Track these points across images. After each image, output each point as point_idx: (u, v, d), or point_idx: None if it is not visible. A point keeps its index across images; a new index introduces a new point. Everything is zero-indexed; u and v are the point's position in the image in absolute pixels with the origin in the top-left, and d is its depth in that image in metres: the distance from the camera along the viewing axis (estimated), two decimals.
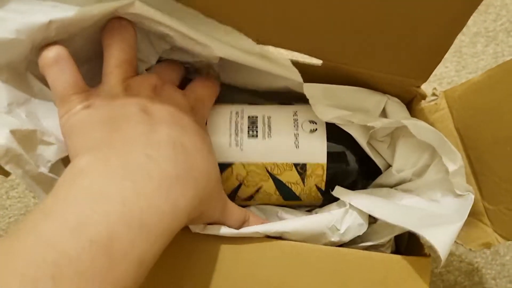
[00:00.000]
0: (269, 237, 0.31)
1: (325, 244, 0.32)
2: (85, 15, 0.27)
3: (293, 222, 0.31)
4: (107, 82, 0.28)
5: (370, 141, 0.35)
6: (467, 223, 0.37)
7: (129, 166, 0.24)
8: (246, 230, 0.31)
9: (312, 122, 0.34)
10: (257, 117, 0.34)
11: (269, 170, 0.34)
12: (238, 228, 0.31)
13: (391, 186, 0.35)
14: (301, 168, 0.34)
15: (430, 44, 0.32)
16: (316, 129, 0.34)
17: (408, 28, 0.31)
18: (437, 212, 0.32)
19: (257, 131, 0.33)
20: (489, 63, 0.58)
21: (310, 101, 0.33)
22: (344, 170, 0.34)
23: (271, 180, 0.34)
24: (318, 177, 0.33)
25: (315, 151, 0.33)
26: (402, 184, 0.35)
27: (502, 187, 0.34)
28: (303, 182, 0.34)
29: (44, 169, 0.28)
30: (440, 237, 0.29)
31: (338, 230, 0.31)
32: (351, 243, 0.33)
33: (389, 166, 0.35)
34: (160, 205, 0.23)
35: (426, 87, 0.38)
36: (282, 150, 0.33)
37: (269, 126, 0.33)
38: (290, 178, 0.34)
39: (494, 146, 0.34)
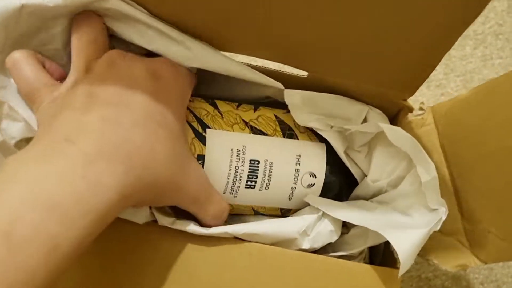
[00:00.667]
0: (238, 239, 0.30)
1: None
2: (58, 4, 0.27)
3: (263, 224, 0.31)
4: (71, 70, 0.28)
5: (348, 151, 0.34)
6: (444, 243, 0.37)
7: (46, 151, 0.23)
8: (215, 230, 0.30)
9: (312, 175, 0.33)
10: (259, 162, 0.32)
11: (255, 209, 0.34)
12: (214, 224, 0.30)
13: (367, 198, 0.35)
14: (286, 211, 0.35)
15: (420, 59, 0.32)
16: (314, 184, 0.33)
17: (397, 42, 0.30)
18: (408, 223, 0.31)
19: (255, 182, 0.32)
20: (477, 66, 0.58)
21: (290, 108, 0.33)
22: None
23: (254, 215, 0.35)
24: None
25: (305, 204, 0.34)
26: (377, 196, 0.34)
27: (481, 203, 0.34)
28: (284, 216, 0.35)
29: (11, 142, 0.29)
30: (403, 241, 0.28)
31: (308, 235, 0.30)
32: (322, 252, 0.32)
33: (366, 176, 0.35)
34: (76, 184, 0.22)
35: (413, 100, 0.37)
36: (274, 199, 0.33)
37: (269, 177, 0.32)
38: (274, 214, 0.35)
39: (477, 162, 0.33)
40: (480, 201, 0.34)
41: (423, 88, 0.51)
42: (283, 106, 0.34)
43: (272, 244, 0.31)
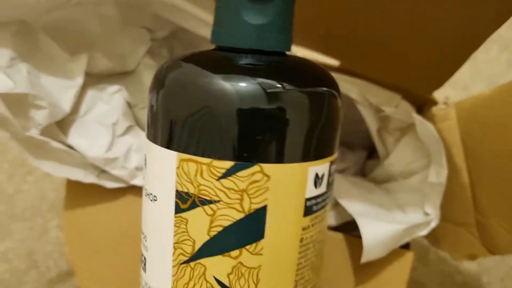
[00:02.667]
0: None
1: None
2: None
3: None
4: None
5: (381, 131, 0.36)
6: (455, 234, 0.38)
7: None
8: None
9: None
10: None
11: None
12: None
13: (379, 181, 0.37)
14: None
15: (447, 58, 0.34)
16: None
17: (427, 41, 0.32)
18: (397, 218, 0.32)
19: None
20: (502, 69, 0.59)
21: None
22: None
23: None
24: None
25: None
26: (388, 182, 0.36)
27: (494, 200, 0.35)
28: None
29: (34, 132, 0.29)
30: (372, 229, 0.29)
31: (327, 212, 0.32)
32: (341, 230, 0.34)
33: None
34: None
35: (439, 93, 0.39)
36: None
37: None
38: None
39: (495, 159, 0.35)
40: (493, 196, 0.35)
41: (449, 89, 0.52)
42: None
43: None
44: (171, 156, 0.17)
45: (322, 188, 0.18)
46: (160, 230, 0.19)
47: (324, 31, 0.34)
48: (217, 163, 0.17)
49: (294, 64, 0.19)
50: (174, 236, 0.18)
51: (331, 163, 0.19)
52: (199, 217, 0.17)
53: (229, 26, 0.18)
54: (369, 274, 0.33)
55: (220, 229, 0.17)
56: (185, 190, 0.17)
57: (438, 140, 0.33)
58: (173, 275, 0.18)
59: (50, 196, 0.55)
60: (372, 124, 0.35)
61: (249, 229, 0.17)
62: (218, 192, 0.17)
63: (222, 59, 0.18)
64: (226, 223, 0.17)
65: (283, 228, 0.17)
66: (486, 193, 0.36)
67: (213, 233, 0.17)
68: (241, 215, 0.17)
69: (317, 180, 0.18)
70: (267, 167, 0.16)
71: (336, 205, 0.34)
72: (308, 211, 0.18)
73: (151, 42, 0.37)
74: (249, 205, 0.17)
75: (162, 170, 0.18)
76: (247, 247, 0.17)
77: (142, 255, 0.21)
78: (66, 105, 0.31)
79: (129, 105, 0.34)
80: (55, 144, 0.30)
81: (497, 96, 0.35)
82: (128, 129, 0.33)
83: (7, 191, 0.55)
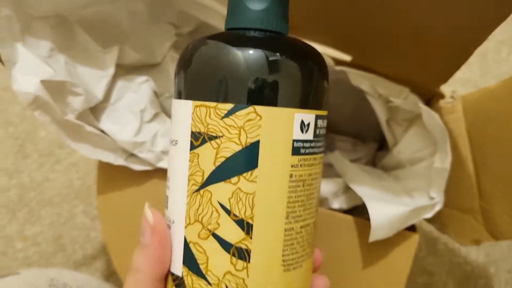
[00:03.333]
0: None
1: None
2: None
3: None
4: None
5: (390, 122, 0.38)
6: (461, 220, 0.40)
7: None
8: None
9: None
10: None
11: None
12: None
13: (388, 169, 0.39)
14: None
15: (453, 52, 0.36)
16: None
17: (435, 36, 0.34)
18: (405, 202, 0.35)
19: None
20: (511, 69, 0.61)
21: (348, 71, 0.37)
22: None
23: None
24: None
25: None
26: (396, 169, 0.38)
27: (498, 188, 0.37)
28: None
29: (71, 116, 0.32)
30: (379, 210, 0.32)
31: (338, 197, 0.35)
32: (351, 213, 0.37)
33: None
34: None
35: (447, 89, 0.41)
36: None
37: None
38: None
39: (498, 149, 0.37)
40: (497, 185, 0.37)
41: (460, 88, 0.55)
42: None
43: None
44: (188, 105, 0.22)
45: (309, 135, 0.22)
46: (178, 167, 0.23)
47: (337, 27, 0.36)
48: (221, 105, 0.21)
49: (288, 40, 0.23)
50: (189, 169, 0.22)
51: (317, 116, 0.22)
52: (207, 150, 0.21)
53: (237, 12, 0.22)
54: (377, 253, 0.35)
55: (223, 159, 0.21)
56: (198, 130, 0.22)
57: (443, 129, 0.35)
58: (187, 204, 0.22)
59: (76, 184, 0.59)
60: (381, 115, 0.37)
61: (245, 159, 0.21)
62: (222, 129, 0.21)
63: (232, 35, 0.22)
64: (228, 154, 0.21)
65: (274, 161, 0.21)
66: (490, 181, 0.38)
67: (218, 163, 0.21)
68: (239, 147, 0.21)
69: (303, 126, 0.21)
70: (259, 109, 0.21)
71: (347, 189, 0.37)
72: (295, 151, 0.21)
73: (176, 37, 0.39)
74: (246, 139, 0.21)
75: (181, 117, 0.22)
76: (244, 174, 0.21)
77: (166, 196, 0.25)
78: (99, 93, 0.34)
79: (156, 94, 0.37)
80: (89, 128, 0.33)
81: (501, 90, 0.37)
82: (155, 116, 0.36)
83: (37, 179, 0.59)
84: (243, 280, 0.21)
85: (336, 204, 0.35)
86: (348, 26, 0.36)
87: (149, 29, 0.37)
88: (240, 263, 0.21)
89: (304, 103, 0.21)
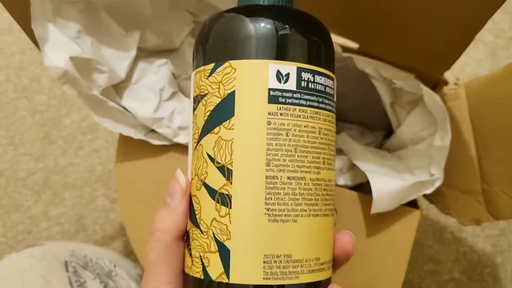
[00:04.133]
0: None
1: None
2: None
3: None
4: None
5: (394, 105, 0.40)
6: (463, 201, 0.42)
7: None
8: None
9: None
10: None
11: None
12: None
13: (392, 149, 0.41)
14: None
15: (455, 39, 0.37)
16: None
17: (438, 23, 0.36)
18: (407, 178, 0.36)
19: None
20: None
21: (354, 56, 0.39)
22: None
23: None
24: None
25: None
26: (400, 149, 0.40)
27: (499, 170, 0.39)
28: None
29: (96, 92, 0.35)
30: (381, 184, 0.34)
31: (344, 173, 0.37)
32: (357, 190, 0.38)
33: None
34: None
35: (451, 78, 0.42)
36: None
37: None
38: None
39: (499, 132, 0.38)
40: (497, 167, 0.39)
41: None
42: None
43: None
44: (193, 74, 0.25)
45: (289, 86, 0.23)
46: (188, 131, 0.25)
47: (343, 15, 0.38)
48: (206, 67, 0.24)
49: (276, 5, 0.25)
50: (192, 130, 0.25)
51: (301, 69, 0.23)
52: (200, 109, 0.24)
53: None
54: (380, 227, 0.37)
55: (208, 113, 0.23)
56: (195, 94, 0.24)
57: (443, 109, 0.36)
58: (192, 162, 0.25)
59: (98, 169, 0.62)
60: (386, 98, 0.39)
61: (224, 109, 0.23)
62: (207, 87, 0.23)
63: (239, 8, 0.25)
64: (211, 107, 0.23)
65: (249, 109, 0.22)
66: (491, 163, 0.39)
67: (205, 117, 0.23)
68: (219, 100, 0.23)
69: (280, 76, 0.23)
70: (234, 63, 0.23)
71: (352, 167, 0.39)
72: (272, 99, 0.22)
73: (194, 24, 0.42)
74: (224, 91, 0.23)
75: (191, 86, 0.26)
76: (224, 123, 0.23)
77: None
78: (121, 72, 0.37)
79: (174, 76, 0.40)
80: (111, 103, 0.36)
81: (502, 75, 0.39)
82: (172, 95, 0.38)
83: (61, 163, 0.62)
84: (226, 226, 0.22)
85: (342, 180, 0.37)
86: (354, 13, 0.38)
87: (169, 16, 0.40)
88: (223, 209, 0.22)
89: (281, 56, 0.23)
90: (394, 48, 0.40)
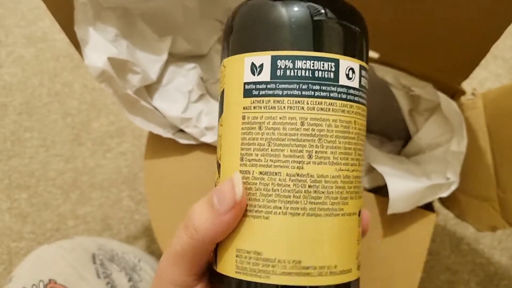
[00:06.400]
0: None
1: None
2: None
3: None
4: None
5: (412, 112, 0.41)
6: (479, 207, 0.43)
7: None
8: None
9: None
10: None
11: None
12: None
13: (409, 155, 0.42)
14: None
15: (472, 49, 0.39)
16: None
17: (456, 34, 0.37)
18: (424, 181, 0.38)
19: None
20: None
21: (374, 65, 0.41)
22: None
23: None
24: None
25: None
26: (417, 155, 0.41)
27: None
28: None
29: (129, 91, 0.37)
30: (397, 185, 0.35)
31: (362, 176, 0.38)
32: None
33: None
34: None
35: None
36: None
37: None
38: None
39: None
40: None
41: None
42: None
43: None
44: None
45: (263, 77, 0.21)
46: None
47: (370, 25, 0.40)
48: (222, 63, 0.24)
49: None
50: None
51: (274, 57, 0.21)
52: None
53: None
54: (397, 229, 0.38)
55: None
56: (221, 89, 0.24)
57: (459, 115, 0.38)
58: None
59: (124, 171, 0.64)
60: (404, 105, 0.41)
61: (220, 106, 0.24)
62: (219, 83, 0.24)
63: None
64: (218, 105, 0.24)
65: (231, 105, 0.22)
66: (507, 171, 0.40)
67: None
68: (219, 98, 0.24)
69: (254, 68, 0.22)
70: (225, 61, 0.23)
71: (370, 170, 0.40)
72: (247, 93, 0.22)
73: (222, 32, 0.44)
74: (220, 90, 0.24)
75: None
76: (219, 120, 0.24)
77: None
78: (153, 74, 0.40)
79: (202, 79, 0.42)
80: (143, 103, 0.38)
81: None
82: (200, 97, 0.41)
83: (89, 165, 0.65)
84: None
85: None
86: (374, 23, 0.39)
87: (199, 24, 0.43)
88: None
89: (254, 47, 0.22)
90: (412, 58, 0.42)
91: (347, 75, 0.22)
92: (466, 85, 0.44)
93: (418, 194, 0.36)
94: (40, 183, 0.63)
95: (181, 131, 0.41)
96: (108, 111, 0.67)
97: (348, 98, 0.22)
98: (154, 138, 0.41)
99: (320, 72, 0.21)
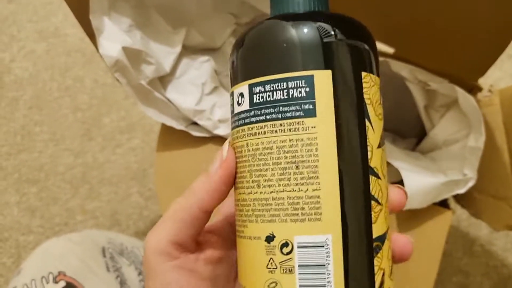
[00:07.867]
0: None
1: None
2: None
3: None
4: None
5: (428, 108, 0.41)
6: (495, 206, 0.42)
7: None
8: None
9: None
10: None
11: None
12: None
13: (425, 151, 0.41)
14: None
15: (489, 46, 0.38)
16: None
17: (473, 31, 0.37)
18: (440, 177, 0.37)
19: None
20: None
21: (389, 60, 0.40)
22: None
23: None
24: None
25: None
26: (433, 151, 0.41)
27: None
28: None
29: (143, 82, 0.37)
30: (414, 180, 0.34)
31: None
32: None
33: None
34: None
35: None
36: None
37: None
38: None
39: None
40: None
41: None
42: None
43: None
44: None
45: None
46: None
47: (379, 20, 0.40)
48: None
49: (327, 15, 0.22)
50: None
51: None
52: None
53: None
54: (413, 225, 0.38)
55: None
56: None
57: (477, 110, 0.37)
58: None
59: (134, 167, 0.64)
60: (420, 100, 0.40)
61: None
62: None
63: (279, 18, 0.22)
64: None
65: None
66: None
67: None
68: None
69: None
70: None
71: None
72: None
73: (235, 25, 0.44)
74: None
75: None
76: None
77: None
78: (167, 66, 0.39)
79: (216, 72, 0.42)
80: (157, 94, 0.38)
81: None
82: (214, 89, 0.40)
83: (99, 160, 0.64)
84: None
85: None
86: (390, 18, 0.39)
87: (213, 17, 0.42)
88: None
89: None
90: (429, 53, 0.41)
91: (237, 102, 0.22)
92: (481, 80, 0.43)
93: (434, 190, 0.35)
94: (49, 177, 0.63)
95: (194, 124, 0.40)
96: (119, 106, 0.67)
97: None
98: (166, 131, 0.41)
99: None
